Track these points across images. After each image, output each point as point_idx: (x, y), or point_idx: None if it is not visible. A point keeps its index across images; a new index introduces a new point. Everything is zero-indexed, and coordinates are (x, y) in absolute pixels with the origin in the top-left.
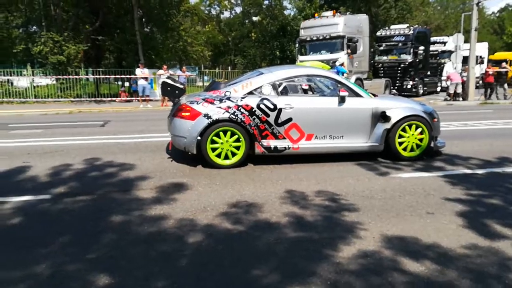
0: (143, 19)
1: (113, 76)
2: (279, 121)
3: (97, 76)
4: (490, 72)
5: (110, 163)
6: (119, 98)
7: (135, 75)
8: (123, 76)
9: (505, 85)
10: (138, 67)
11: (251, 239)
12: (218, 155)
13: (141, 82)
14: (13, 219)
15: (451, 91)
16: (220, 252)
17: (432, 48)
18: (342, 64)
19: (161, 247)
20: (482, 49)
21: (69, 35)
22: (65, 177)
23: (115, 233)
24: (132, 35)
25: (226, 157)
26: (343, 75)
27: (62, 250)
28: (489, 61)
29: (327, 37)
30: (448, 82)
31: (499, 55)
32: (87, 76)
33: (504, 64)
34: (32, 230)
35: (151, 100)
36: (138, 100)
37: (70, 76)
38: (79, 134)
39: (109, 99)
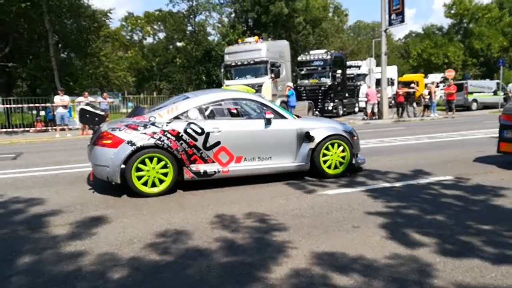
0: (59, 45)
1: (27, 105)
2: (208, 145)
3: (8, 106)
4: (400, 93)
5: (21, 198)
6: (33, 128)
7: (52, 103)
8: (37, 104)
9: (414, 104)
10: (57, 94)
11: (181, 269)
12: (145, 183)
13: (60, 110)
14: None
15: (369, 110)
16: (149, 285)
17: (348, 71)
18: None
19: (82, 285)
20: (392, 72)
21: None
22: None
23: (28, 276)
24: (47, 61)
25: (154, 185)
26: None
27: None
28: (399, 82)
29: (251, 62)
30: (365, 101)
31: (407, 77)
32: None
33: (412, 85)
34: None
35: (70, 129)
36: (55, 129)
37: None
38: None
39: (22, 129)
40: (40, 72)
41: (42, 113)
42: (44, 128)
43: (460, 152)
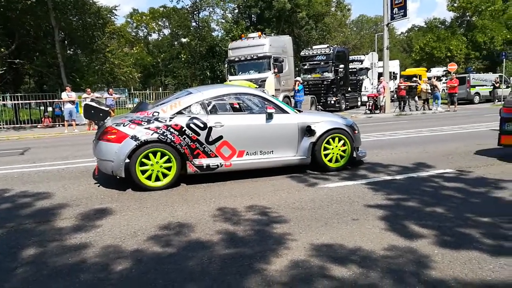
0: (65, 41)
1: (34, 101)
2: (210, 139)
3: (16, 102)
4: (402, 87)
5: (28, 193)
6: (41, 124)
7: (59, 99)
8: (45, 100)
9: (416, 98)
10: (63, 90)
11: (183, 261)
12: (149, 177)
13: (68, 106)
14: None
15: (383, 103)
16: (152, 277)
17: (350, 66)
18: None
19: (86, 277)
20: (394, 66)
21: None
22: None
23: (33, 267)
24: (54, 57)
25: (157, 179)
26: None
27: None
28: (401, 76)
29: (254, 57)
30: (367, 95)
31: (410, 71)
32: (4, 102)
33: (414, 79)
34: None
35: (77, 124)
36: (63, 125)
37: None
38: None
39: (30, 125)
40: (47, 69)
41: (50, 109)
42: (52, 123)
43: (461, 145)
